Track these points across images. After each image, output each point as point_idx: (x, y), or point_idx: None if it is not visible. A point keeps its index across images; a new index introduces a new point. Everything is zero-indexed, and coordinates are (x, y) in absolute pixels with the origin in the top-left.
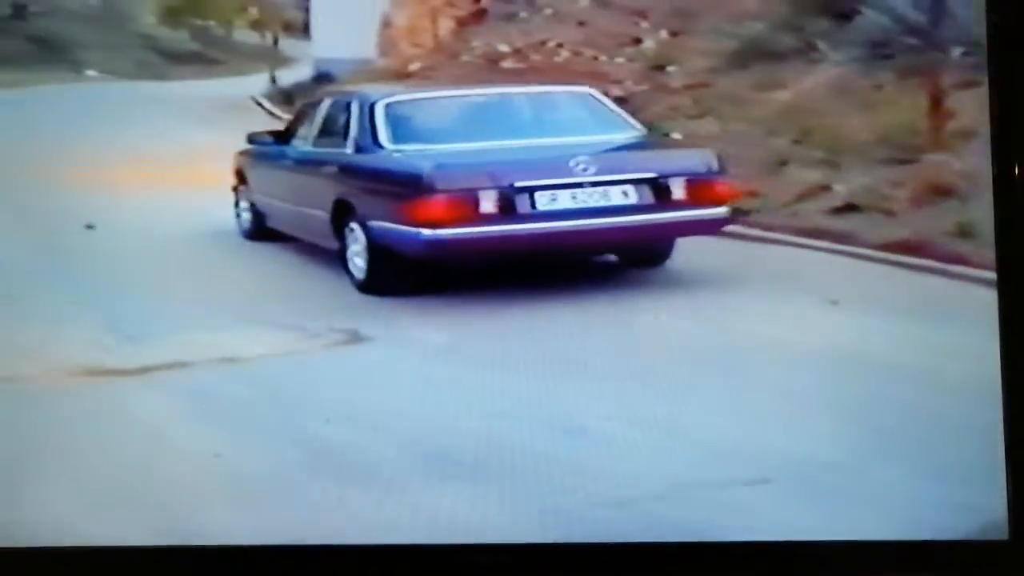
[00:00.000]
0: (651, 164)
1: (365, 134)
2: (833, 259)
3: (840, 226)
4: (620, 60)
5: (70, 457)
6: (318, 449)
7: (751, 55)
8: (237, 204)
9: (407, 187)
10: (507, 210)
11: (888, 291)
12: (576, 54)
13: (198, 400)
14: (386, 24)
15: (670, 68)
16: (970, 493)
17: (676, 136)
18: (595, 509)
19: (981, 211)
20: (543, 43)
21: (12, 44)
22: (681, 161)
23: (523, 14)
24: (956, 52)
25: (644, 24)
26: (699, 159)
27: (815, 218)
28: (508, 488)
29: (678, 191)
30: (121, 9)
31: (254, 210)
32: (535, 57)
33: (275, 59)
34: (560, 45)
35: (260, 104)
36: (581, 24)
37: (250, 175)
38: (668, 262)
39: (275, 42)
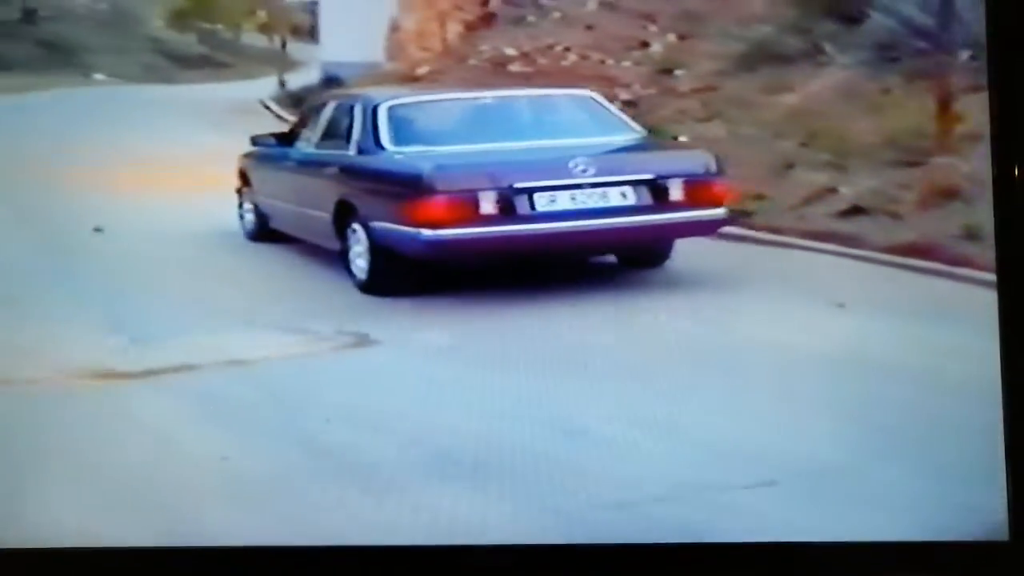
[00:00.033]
0: (649, 166)
1: (367, 136)
2: (838, 261)
3: (847, 229)
4: (627, 64)
5: (77, 459)
6: (322, 451)
7: (758, 58)
8: (241, 206)
9: (408, 188)
10: (507, 211)
11: (892, 293)
12: (584, 58)
13: (205, 403)
14: (394, 28)
15: (678, 72)
16: (971, 494)
17: (683, 139)
18: (595, 510)
19: (988, 214)
20: (551, 47)
21: (22, 48)
22: (679, 163)
23: (531, 18)
24: (963, 55)
25: (652, 28)
26: (697, 161)
27: (822, 221)
28: (509, 489)
29: (676, 192)
30: (129, 13)
31: (257, 211)
32: (542, 61)
33: (283, 63)
34: (568, 49)
35: (268, 107)
36: (589, 28)
37: (254, 177)
38: (672, 264)
39: (283, 46)
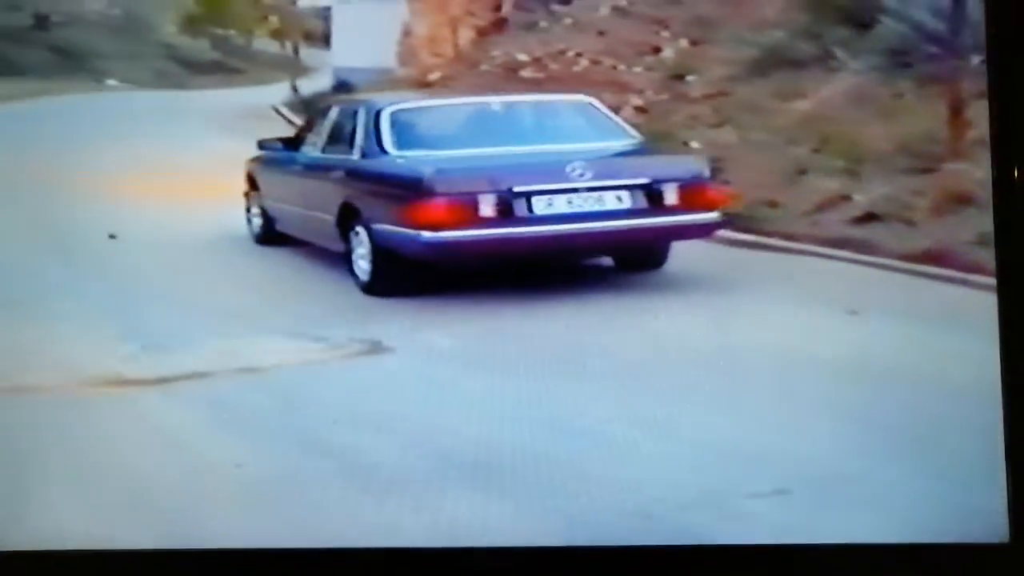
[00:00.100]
0: (645, 170)
1: (371, 140)
2: (847, 267)
3: (860, 235)
4: (639, 69)
5: (88, 465)
6: (329, 454)
7: (771, 64)
8: (248, 209)
9: (409, 191)
10: (505, 213)
11: (901, 298)
12: (595, 63)
13: (218, 410)
14: (406, 34)
15: (689, 77)
16: (971, 496)
17: (695, 145)
18: (597, 512)
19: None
20: (562, 52)
21: (34, 54)
22: (674, 167)
23: (543, 23)
24: (975, 60)
25: (664, 33)
26: (691, 165)
27: (835, 227)
28: (510, 490)
29: (671, 196)
30: (142, 19)
31: (264, 215)
32: (554, 66)
33: (296, 68)
34: (579, 54)
35: (280, 113)
36: (601, 33)
37: (261, 180)
38: (679, 267)
39: (295, 51)
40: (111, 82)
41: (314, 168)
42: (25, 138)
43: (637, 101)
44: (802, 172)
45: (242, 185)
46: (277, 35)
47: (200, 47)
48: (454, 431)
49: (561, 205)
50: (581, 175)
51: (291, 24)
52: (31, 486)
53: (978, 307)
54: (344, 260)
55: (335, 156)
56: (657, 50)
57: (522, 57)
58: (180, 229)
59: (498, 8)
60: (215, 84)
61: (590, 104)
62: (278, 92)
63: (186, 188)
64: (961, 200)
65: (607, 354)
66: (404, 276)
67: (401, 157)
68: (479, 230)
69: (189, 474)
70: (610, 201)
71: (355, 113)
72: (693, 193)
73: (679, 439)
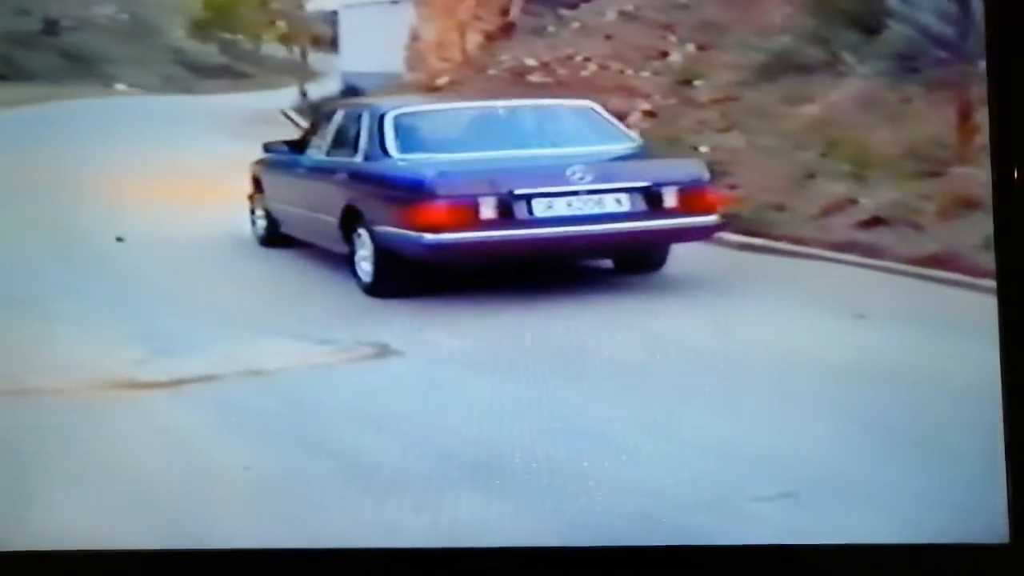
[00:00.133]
0: (644, 173)
1: (374, 143)
2: (854, 271)
3: (868, 239)
4: (647, 74)
5: (96, 467)
6: (332, 454)
7: (778, 69)
8: (253, 211)
9: (411, 193)
10: (506, 216)
11: (905, 302)
12: (603, 68)
13: (226, 412)
14: (414, 38)
15: (697, 82)
16: (971, 496)
17: (704, 149)
18: (597, 512)
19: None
20: (570, 57)
21: (44, 59)
22: (673, 171)
23: (551, 28)
24: (983, 65)
25: (671, 38)
26: (690, 169)
27: (843, 231)
28: (510, 490)
29: (670, 199)
30: (150, 23)
31: (269, 217)
32: (562, 71)
33: (304, 73)
34: (587, 59)
35: (289, 117)
36: (608, 38)
37: (265, 183)
38: (685, 270)
39: (303, 56)
40: (120, 86)
41: (318, 171)
42: (35, 142)
43: (645, 106)
44: (810, 176)
45: (249, 188)
46: (285, 40)
47: (208, 52)
48: (455, 431)
49: (561, 208)
50: (581, 178)
51: (299, 29)
52: (39, 488)
53: (979, 309)
54: (347, 262)
55: (339, 159)
56: (665, 55)
57: (530, 62)
58: (188, 232)
59: (506, 12)
60: (223, 88)
61: (591, 108)
62: (286, 97)
63: (194, 192)
64: (968, 204)
65: (608, 355)
66: (406, 277)
67: (403, 160)
68: (480, 232)
69: (196, 476)
70: (610, 204)
71: (359, 117)
72: (692, 196)
73: (680, 440)
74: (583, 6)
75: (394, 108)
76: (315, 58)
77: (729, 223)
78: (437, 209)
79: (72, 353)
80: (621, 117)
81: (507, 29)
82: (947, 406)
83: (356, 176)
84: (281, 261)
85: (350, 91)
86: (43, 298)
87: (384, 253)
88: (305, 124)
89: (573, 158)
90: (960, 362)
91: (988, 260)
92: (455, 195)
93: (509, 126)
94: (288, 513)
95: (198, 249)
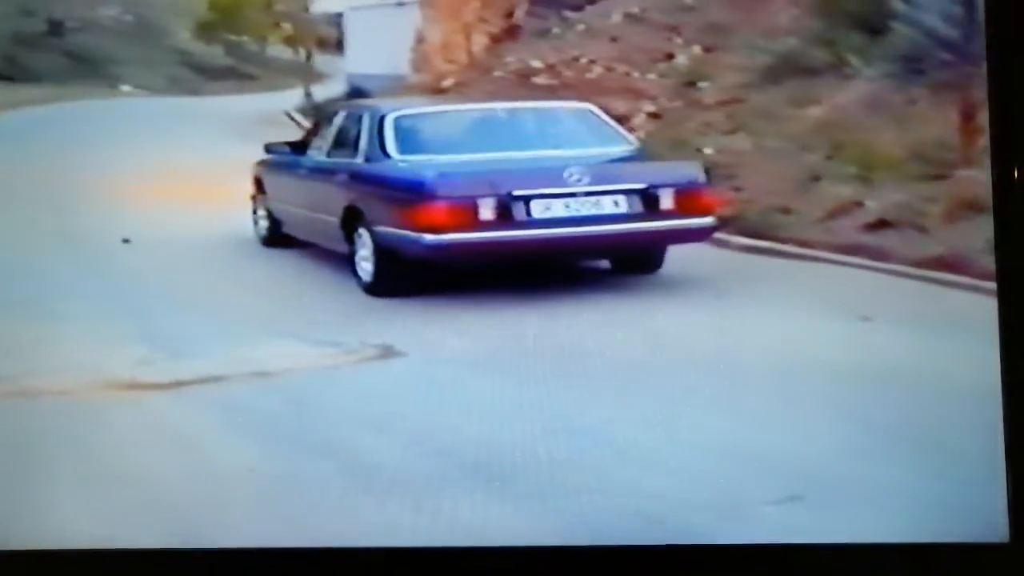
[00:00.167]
0: (641, 176)
1: (374, 145)
2: (857, 273)
3: (873, 242)
4: (652, 76)
5: (101, 467)
6: (335, 455)
7: (784, 71)
8: (255, 212)
9: (411, 194)
10: (504, 217)
11: (907, 304)
12: (609, 70)
13: (231, 414)
14: (419, 40)
15: (703, 84)
16: (971, 495)
17: (708, 151)
18: (597, 512)
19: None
20: (576, 59)
21: (49, 60)
22: (670, 173)
23: (556, 30)
24: None
25: (677, 40)
26: (687, 171)
27: (848, 234)
28: (510, 490)
29: (666, 201)
30: (156, 25)
31: (271, 217)
32: (568, 73)
33: (309, 75)
34: (593, 61)
35: (293, 119)
36: (614, 40)
37: (267, 183)
38: (688, 272)
39: (309, 58)
40: (125, 88)
41: (319, 172)
42: (40, 143)
43: (650, 107)
44: (815, 178)
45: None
46: (290, 42)
47: (214, 53)
48: (456, 431)
49: (559, 209)
50: (579, 180)
51: (304, 31)
52: (45, 489)
53: (980, 309)
54: (347, 262)
55: (340, 160)
56: (670, 57)
57: (535, 64)
58: (193, 233)
59: (511, 15)
60: (228, 90)
61: (590, 111)
62: (292, 98)
63: (199, 193)
64: (973, 207)
65: (609, 355)
66: (405, 277)
67: (404, 161)
68: (479, 233)
69: (201, 478)
70: (607, 205)
71: (360, 118)
72: (688, 198)
73: (680, 440)
74: (588, 8)
75: (394, 110)
76: (320, 60)
77: (725, 224)
78: (437, 210)
79: (78, 354)
80: (626, 119)
81: (512, 31)
82: (947, 406)
83: (357, 177)
84: (283, 261)
85: (355, 93)
86: (48, 299)
87: (384, 253)
88: (309, 126)
89: (571, 160)
90: (960, 362)
91: (992, 263)
92: (454, 196)
93: (508, 128)
94: (292, 513)
95: (203, 250)
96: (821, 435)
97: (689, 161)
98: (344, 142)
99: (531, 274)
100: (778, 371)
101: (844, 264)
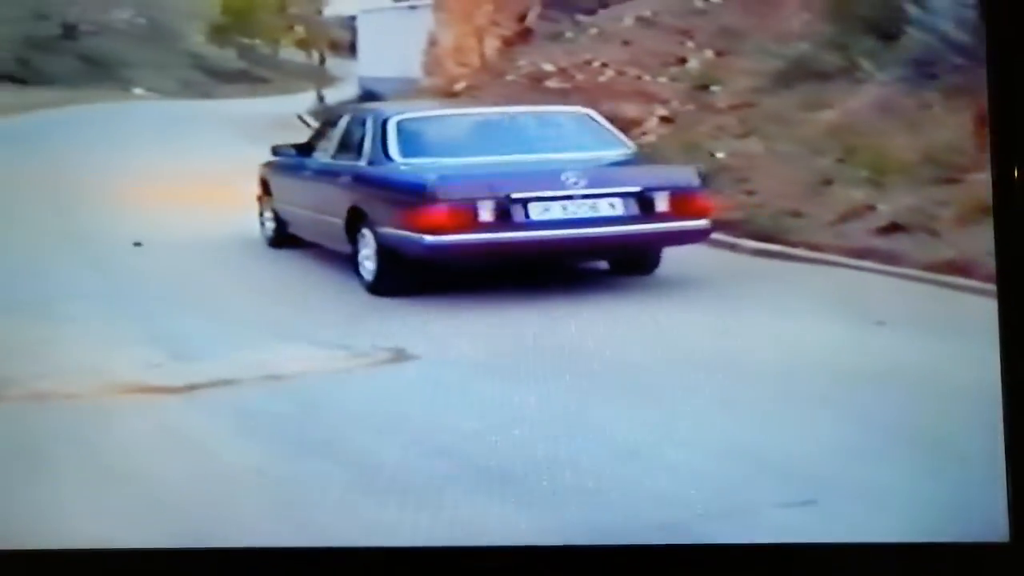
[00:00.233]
0: (637, 179)
1: (377, 148)
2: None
3: (885, 246)
4: (664, 80)
5: (110, 469)
6: (343, 455)
7: (796, 75)
8: (261, 213)
9: (412, 196)
10: (503, 219)
11: (905, 305)
12: (621, 73)
13: (243, 417)
14: (432, 43)
15: (715, 88)
16: (971, 495)
17: (720, 155)
18: (598, 512)
19: None
20: (588, 63)
21: (62, 63)
22: (665, 176)
23: (568, 34)
24: None
25: (689, 44)
26: (682, 175)
27: (860, 238)
28: (511, 490)
29: (662, 204)
30: (169, 28)
31: (277, 218)
32: (580, 77)
33: (321, 78)
34: (605, 65)
35: (305, 122)
36: (626, 43)
37: (273, 185)
38: (690, 274)
39: (321, 61)
40: (138, 91)
41: (324, 173)
42: (53, 146)
43: (662, 111)
44: (827, 182)
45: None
46: (303, 45)
47: (227, 56)
48: (456, 430)
49: (557, 211)
50: (576, 183)
51: (317, 34)
52: (55, 491)
53: (980, 310)
54: (350, 261)
55: (344, 162)
56: (682, 61)
57: (548, 67)
58: (203, 236)
59: (523, 18)
60: (241, 93)
61: (588, 116)
62: (304, 101)
63: (210, 195)
64: (985, 211)
65: (610, 355)
66: (407, 277)
67: (406, 164)
68: (478, 234)
69: (212, 480)
70: (603, 208)
71: (364, 121)
72: (683, 201)
73: (680, 439)
74: (601, 12)
75: (397, 113)
76: (333, 63)
77: (735, 227)
78: (438, 212)
79: (87, 357)
80: (638, 123)
81: (525, 35)
82: (948, 406)
83: (360, 179)
84: (289, 262)
85: (367, 96)
86: (58, 301)
87: (386, 253)
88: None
89: (569, 163)
90: (961, 363)
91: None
92: (455, 198)
93: (508, 132)
94: (303, 515)
95: (212, 251)
96: (822, 435)
97: (684, 165)
98: (349, 145)
99: (531, 275)
100: (779, 372)
101: (855, 268)
